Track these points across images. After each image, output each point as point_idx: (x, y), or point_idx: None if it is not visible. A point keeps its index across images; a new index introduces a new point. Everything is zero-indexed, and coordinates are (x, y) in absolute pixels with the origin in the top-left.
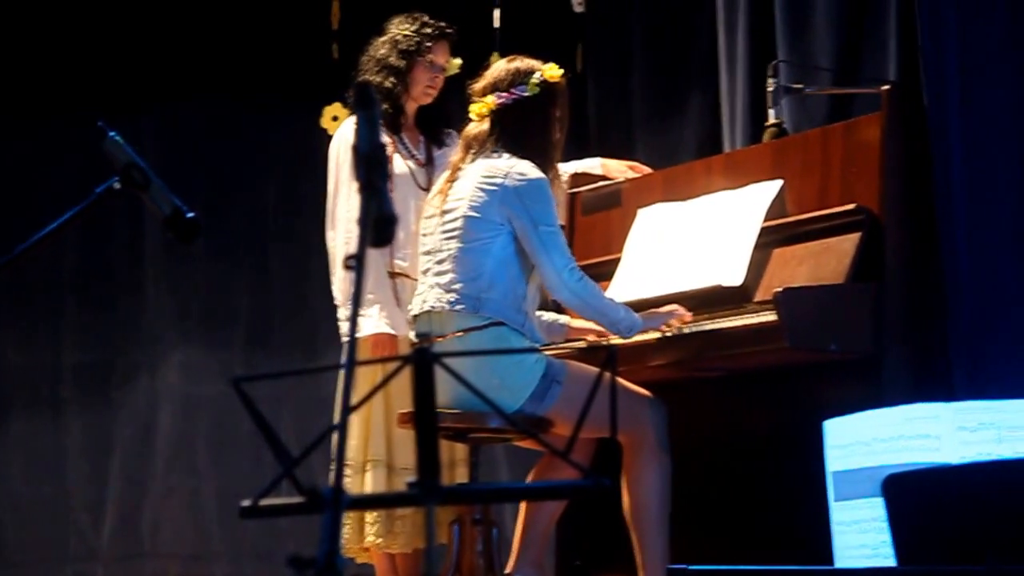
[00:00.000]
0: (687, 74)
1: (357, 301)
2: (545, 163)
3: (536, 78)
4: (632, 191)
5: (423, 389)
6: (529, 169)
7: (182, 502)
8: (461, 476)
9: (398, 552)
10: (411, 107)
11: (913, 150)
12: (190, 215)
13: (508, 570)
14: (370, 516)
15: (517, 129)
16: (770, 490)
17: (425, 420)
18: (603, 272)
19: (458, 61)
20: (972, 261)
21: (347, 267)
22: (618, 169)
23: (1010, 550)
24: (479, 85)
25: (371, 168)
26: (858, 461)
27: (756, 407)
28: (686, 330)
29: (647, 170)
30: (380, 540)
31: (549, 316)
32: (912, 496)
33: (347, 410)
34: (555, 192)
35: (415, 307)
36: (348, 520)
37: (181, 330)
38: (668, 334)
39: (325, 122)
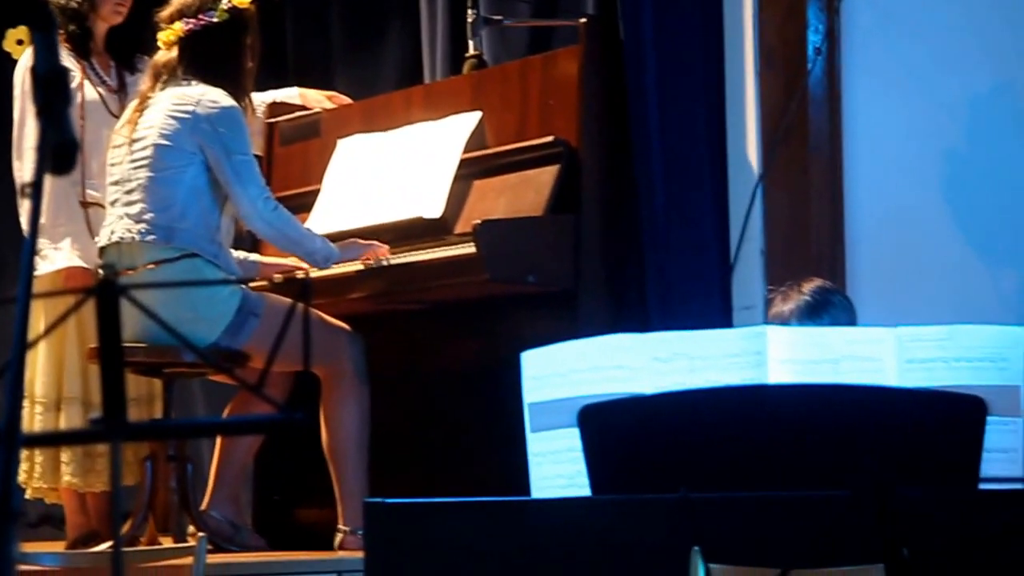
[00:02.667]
0: (387, 4)
1: (35, 230)
2: (237, 92)
3: (224, 4)
4: (331, 121)
5: (107, 323)
6: (221, 97)
7: None
8: (160, 412)
9: (95, 491)
10: (100, 28)
11: (611, 83)
12: None
13: (203, 507)
14: (66, 455)
15: (206, 56)
16: (469, 422)
17: (110, 355)
18: (302, 203)
19: None
20: (667, 194)
21: (24, 195)
22: (316, 99)
23: (702, 478)
24: (166, 12)
25: (49, 91)
26: (554, 392)
27: (456, 339)
28: (385, 263)
29: (346, 100)
30: (77, 480)
31: (240, 254)
32: (607, 426)
33: (21, 345)
34: (250, 122)
35: (103, 239)
36: (40, 459)
37: None
38: (367, 266)
39: (8, 45)
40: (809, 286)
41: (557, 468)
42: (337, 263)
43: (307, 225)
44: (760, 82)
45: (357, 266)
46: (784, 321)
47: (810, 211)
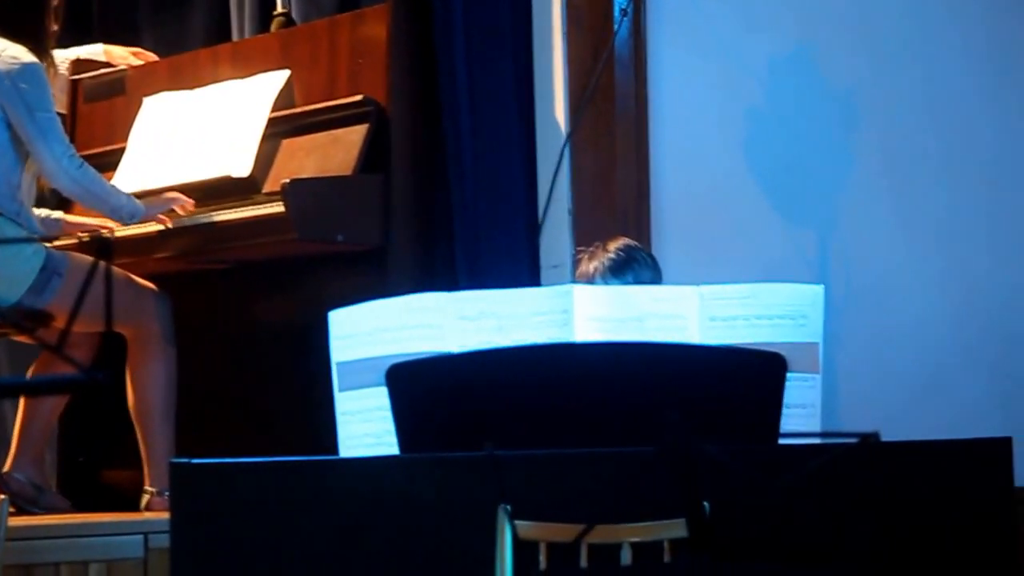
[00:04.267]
0: None
1: None
2: (39, 52)
3: None
4: (137, 79)
5: None
6: (22, 53)
7: None
8: None
9: None
10: None
11: (420, 42)
12: None
13: (6, 468)
14: None
15: (7, 13)
16: (278, 382)
17: None
18: (107, 162)
19: None
20: (476, 154)
21: None
22: (121, 56)
23: (510, 436)
24: None
25: None
26: (362, 351)
27: (265, 298)
28: (188, 222)
29: (152, 57)
30: None
31: (43, 212)
32: (415, 385)
33: None
34: (53, 79)
35: None
36: None
37: None
38: (171, 225)
39: None
40: (614, 244)
41: (365, 427)
42: (143, 220)
43: (112, 183)
44: (567, 43)
45: (163, 224)
46: (590, 279)
47: (616, 171)
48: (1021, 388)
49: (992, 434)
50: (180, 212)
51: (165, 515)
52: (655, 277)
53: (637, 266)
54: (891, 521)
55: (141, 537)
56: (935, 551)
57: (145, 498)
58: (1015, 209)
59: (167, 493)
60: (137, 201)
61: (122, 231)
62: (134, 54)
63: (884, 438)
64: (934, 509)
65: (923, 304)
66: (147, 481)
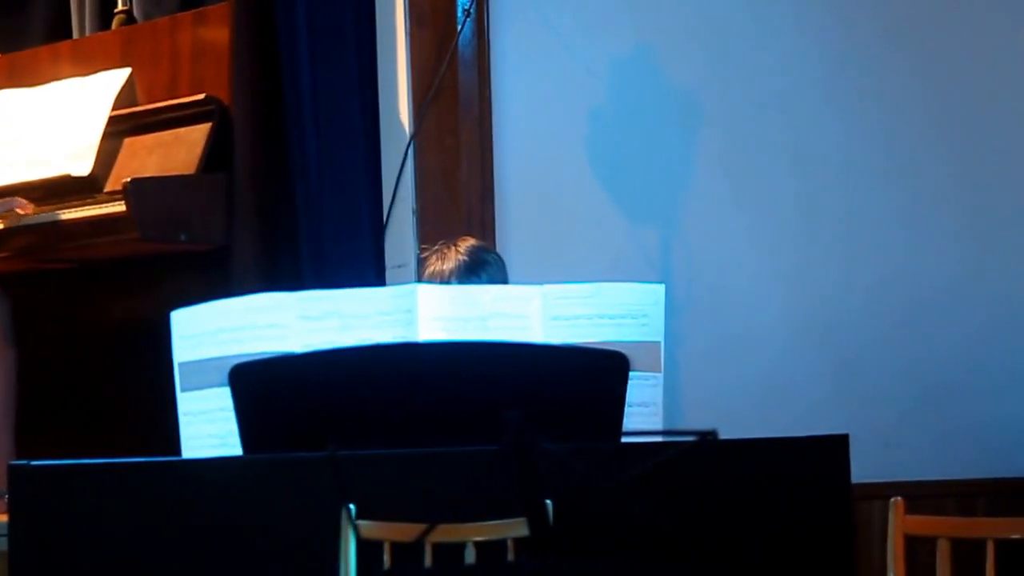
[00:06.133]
0: None
1: None
2: None
3: None
4: None
5: None
6: None
7: None
8: None
9: None
10: None
11: (263, 41)
12: None
13: None
14: None
15: None
16: (122, 383)
17: None
18: None
19: None
20: (320, 153)
21: None
22: None
23: (353, 436)
24: None
25: None
26: (204, 351)
27: (108, 298)
28: (29, 221)
29: None
30: None
31: None
32: (257, 385)
33: None
34: None
35: None
36: None
37: None
38: (12, 225)
39: None
40: (465, 245)
41: (208, 428)
42: None
43: None
44: (411, 42)
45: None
46: (444, 280)
47: (460, 170)
48: (862, 387)
49: (832, 431)
50: (20, 212)
51: (3, 518)
52: (504, 277)
53: (488, 267)
54: (732, 517)
55: None
56: (775, 546)
57: None
58: (858, 208)
59: (5, 496)
60: None
61: None
62: None
63: (726, 436)
64: (773, 505)
65: (765, 303)
66: None
